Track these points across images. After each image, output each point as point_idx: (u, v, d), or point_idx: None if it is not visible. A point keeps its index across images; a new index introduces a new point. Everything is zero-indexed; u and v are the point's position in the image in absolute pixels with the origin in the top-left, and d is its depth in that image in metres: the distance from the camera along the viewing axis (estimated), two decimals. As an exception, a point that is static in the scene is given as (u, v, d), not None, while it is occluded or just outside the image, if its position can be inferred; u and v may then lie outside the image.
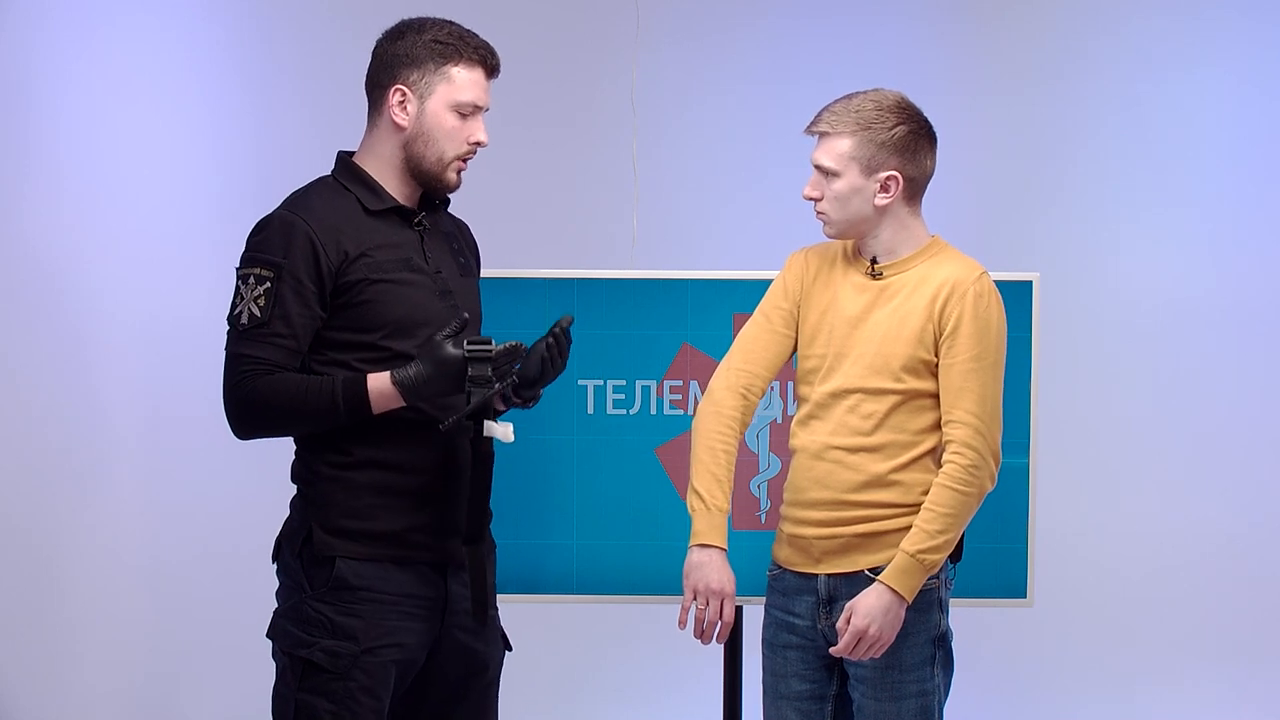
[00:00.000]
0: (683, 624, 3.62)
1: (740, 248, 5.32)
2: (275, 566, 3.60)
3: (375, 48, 3.61)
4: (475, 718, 3.67)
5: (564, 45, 5.48)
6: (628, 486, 4.32)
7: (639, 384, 4.34)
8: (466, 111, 3.57)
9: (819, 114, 3.59)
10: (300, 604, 3.51)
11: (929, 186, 3.63)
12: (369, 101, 3.61)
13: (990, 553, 4.23)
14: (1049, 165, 5.50)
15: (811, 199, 3.60)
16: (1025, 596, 4.33)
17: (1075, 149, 5.49)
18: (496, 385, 3.44)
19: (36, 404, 5.36)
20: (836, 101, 3.59)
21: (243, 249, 3.55)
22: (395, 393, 3.45)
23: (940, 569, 3.56)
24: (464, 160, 3.60)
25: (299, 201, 3.56)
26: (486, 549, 3.66)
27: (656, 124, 5.39)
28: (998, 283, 3.61)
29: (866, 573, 3.56)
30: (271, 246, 3.49)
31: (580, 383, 4.34)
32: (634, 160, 5.28)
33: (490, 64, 3.60)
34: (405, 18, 3.63)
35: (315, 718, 3.48)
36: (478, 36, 3.61)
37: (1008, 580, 4.31)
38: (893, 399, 3.56)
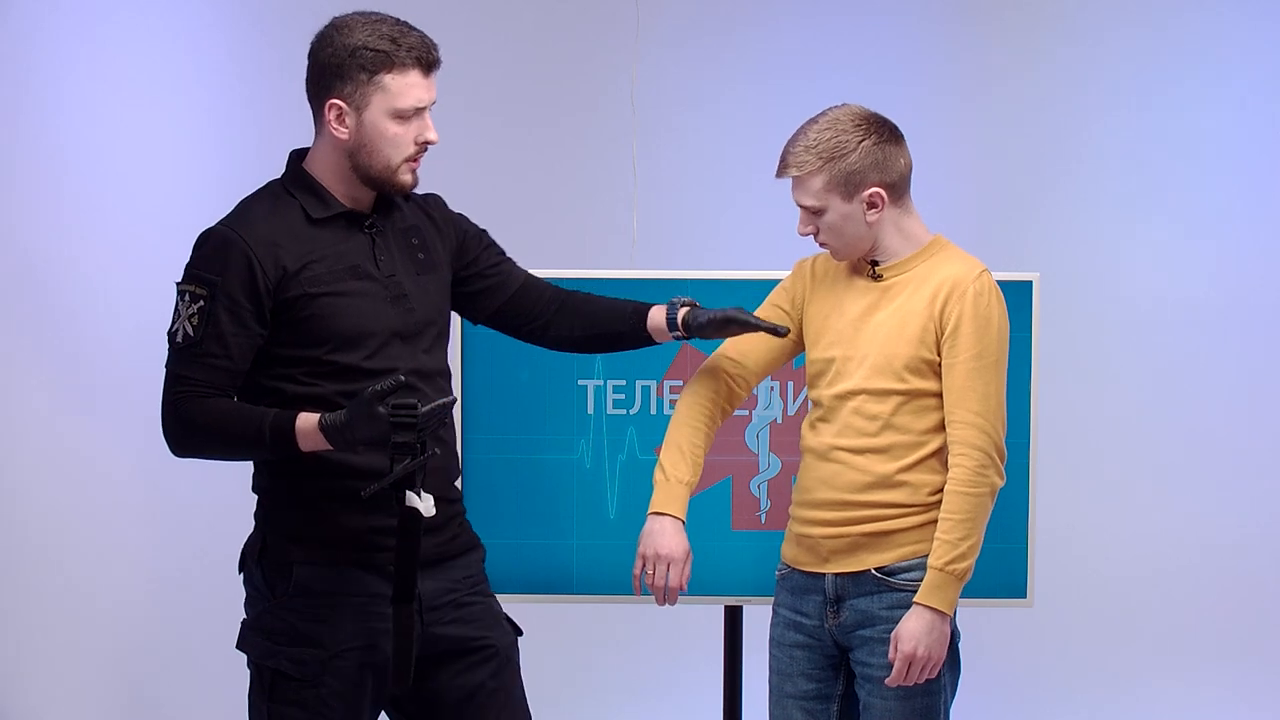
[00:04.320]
0: (636, 590, 3.65)
1: (740, 248, 5.32)
2: (241, 577, 3.53)
3: (309, 52, 3.46)
4: (497, 695, 3.57)
5: (564, 45, 5.47)
6: (628, 486, 4.32)
7: (639, 384, 4.34)
8: (408, 116, 3.42)
9: (782, 158, 3.56)
10: (264, 613, 3.46)
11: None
12: (311, 109, 3.48)
13: (990, 553, 4.21)
14: (1049, 165, 5.49)
15: (807, 235, 3.60)
16: (1025, 596, 4.33)
17: (1075, 149, 5.49)
18: (420, 456, 3.27)
19: (33, 404, 5.36)
20: (795, 141, 3.55)
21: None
22: (322, 436, 3.31)
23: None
24: (415, 160, 3.45)
25: (241, 214, 3.44)
26: (477, 556, 3.61)
27: (656, 124, 5.39)
28: (998, 283, 3.60)
29: (873, 572, 3.57)
30: (208, 264, 3.38)
31: (580, 383, 4.33)
32: (634, 160, 5.27)
33: (427, 61, 3.41)
34: (336, 16, 3.44)
35: None
36: (411, 33, 3.41)
37: (1007, 580, 4.31)
38: (897, 399, 3.56)
